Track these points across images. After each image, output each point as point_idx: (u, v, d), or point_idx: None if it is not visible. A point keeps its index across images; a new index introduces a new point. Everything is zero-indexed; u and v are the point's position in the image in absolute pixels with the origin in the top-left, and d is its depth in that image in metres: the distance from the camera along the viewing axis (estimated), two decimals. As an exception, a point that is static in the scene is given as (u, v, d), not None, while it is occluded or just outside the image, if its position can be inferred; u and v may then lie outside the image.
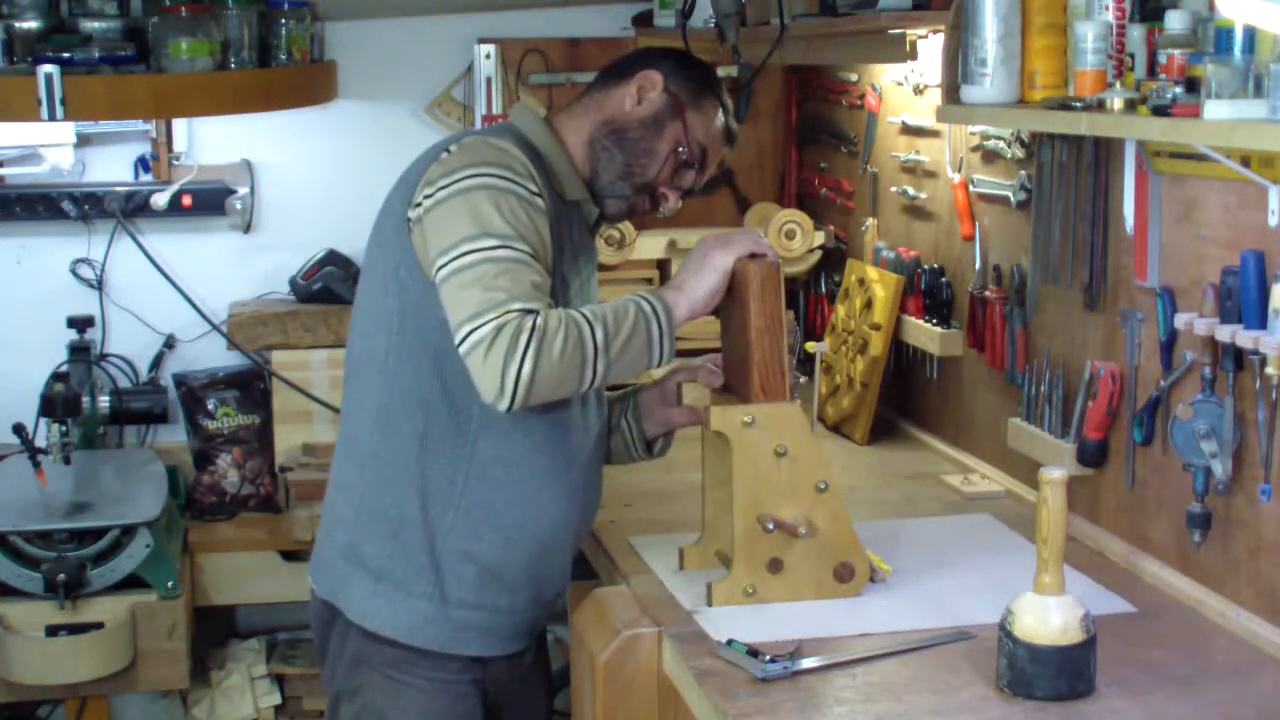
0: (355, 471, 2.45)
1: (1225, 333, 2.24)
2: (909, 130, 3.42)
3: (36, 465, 3.57)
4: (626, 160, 2.45)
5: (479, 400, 2.20)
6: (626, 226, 3.72)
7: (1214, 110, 1.94)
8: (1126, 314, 2.56)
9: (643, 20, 4.09)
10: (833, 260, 3.82)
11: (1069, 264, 2.71)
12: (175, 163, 4.07)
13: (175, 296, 4.04)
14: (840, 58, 3.60)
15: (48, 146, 3.97)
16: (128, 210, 4.01)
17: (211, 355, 4.10)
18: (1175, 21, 2.13)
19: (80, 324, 3.97)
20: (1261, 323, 2.19)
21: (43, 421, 3.69)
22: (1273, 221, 2.18)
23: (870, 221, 3.62)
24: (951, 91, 2.53)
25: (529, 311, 2.16)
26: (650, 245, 3.81)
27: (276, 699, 3.93)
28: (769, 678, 2.13)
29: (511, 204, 2.26)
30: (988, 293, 3.05)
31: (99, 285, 4.07)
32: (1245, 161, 2.19)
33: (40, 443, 3.68)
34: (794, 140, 4.17)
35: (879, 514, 2.89)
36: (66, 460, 3.66)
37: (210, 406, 3.99)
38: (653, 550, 2.66)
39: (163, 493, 3.63)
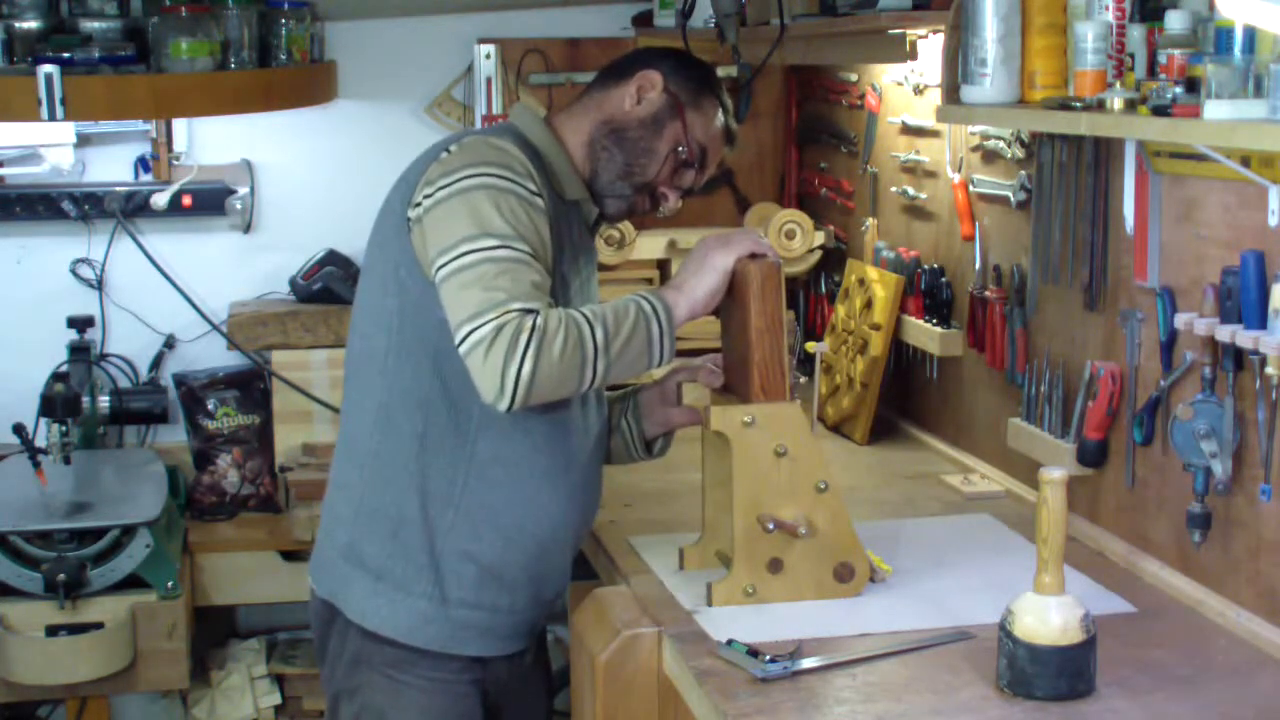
0: (355, 471, 2.45)
1: (1225, 333, 2.24)
2: (909, 130, 3.42)
3: (36, 465, 3.57)
4: (626, 160, 2.45)
5: (479, 400, 2.20)
6: (626, 226, 3.72)
7: (1214, 110, 1.94)
8: (1126, 314, 2.56)
9: (643, 20, 4.09)
10: (833, 260, 3.82)
11: (1069, 264, 2.71)
12: (175, 163, 4.07)
13: (175, 296, 4.04)
14: (840, 58, 3.60)
15: (48, 146, 3.97)
16: (128, 210, 4.02)
17: (211, 355, 4.10)
18: (1175, 21, 2.13)
19: (80, 324, 3.97)
20: (1261, 323, 2.19)
21: (43, 421, 3.69)
22: (1273, 221, 2.18)
23: (870, 221, 3.62)
24: (951, 91, 2.53)
25: (529, 311, 2.16)
26: (650, 245, 3.81)
27: (276, 699, 3.93)
28: (769, 678, 2.13)
29: (511, 204, 2.26)
30: (988, 293, 3.05)
31: (99, 285, 4.07)
32: (1245, 161, 2.19)
33: (40, 443, 3.68)
34: (794, 140, 4.17)
35: (879, 514, 2.89)
36: (66, 460, 3.66)
37: (210, 406, 3.99)
38: (653, 550, 2.66)
39: (163, 493, 3.63)
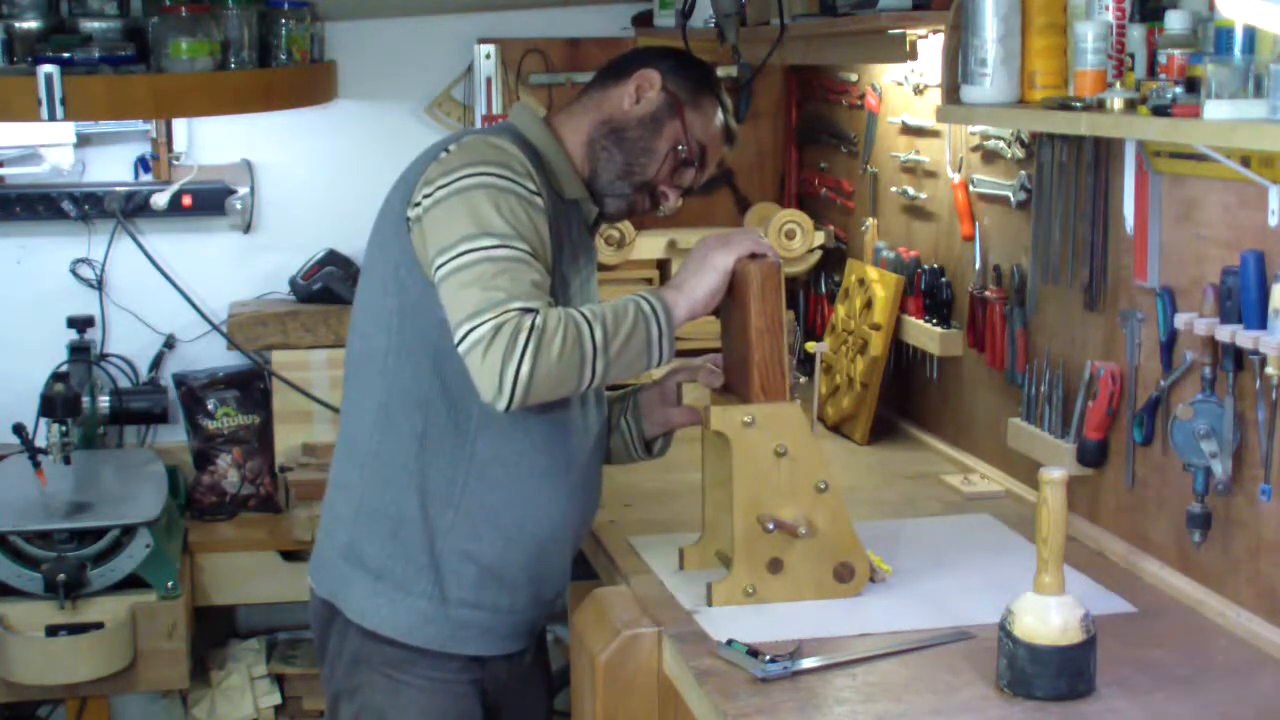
0: (355, 471, 2.45)
1: (1225, 333, 2.24)
2: (909, 130, 3.42)
3: (36, 465, 3.57)
4: (626, 159, 2.45)
5: (478, 400, 2.20)
6: (626, 226, 3.72)
7: (1214, 110, 1.94)
8: (1126, 314, 2.56)
9: (643, 20, 4.09)
10: (833, 260, 3.82)
11: (1069, 264, 2.71)
12: (175, 163, 4.07)
13: (175, 296, 4.04)
14: (840, 58, 3.60)
15: (48, 146, 3.97)
16: (128, 210, 4.02)
17: (211, 355, 4.10)
18: (1175, 21, 2.13)
19: (80, 324, 3.97)
20: (1261, 323, 2.19)
21: (43, 421, 3.69)
22: (1273, 221, 2.18)
23: (870, 221, 3.62)
24: (951, 91, 2.53)
25: (528, 310, 2.16)
26: (650, 245, 3.81)
27: (276, 699, 3.93)
28: (769, 678, 2.13)
29: (510, 203, 2.26)
30: (988, 293, 3.05)
31: (99, 285, 4.07)
32: (1245, 161, 2.19)
33: (40, 443, 3.68)
34: (794, 140, 4.17)
35: (879, 514, 2.89)
36: (66, 460, 3.66)
37: (210, 406, 3.99)
38: (653, 550, 2.66)
39: (163, 493, 3.63)
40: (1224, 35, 1.97)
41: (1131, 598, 2.44)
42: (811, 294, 3.97)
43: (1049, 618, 2.06)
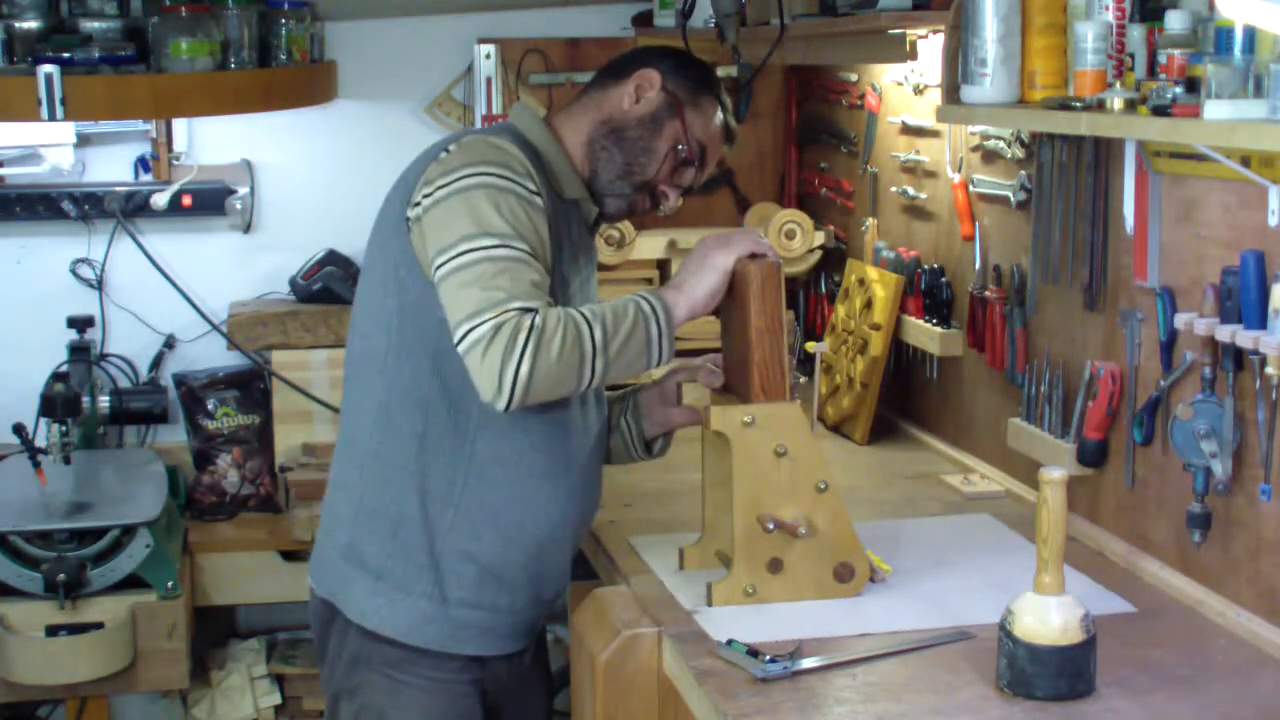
0: (355, 471, 2.45)
1: (1225, 333, 2.24)
2: (909, 130, 3.42)
3: (36, 465, 3.57)
4: (626, 159, 2.45)
5: (478, 399, 2.20)
6: (626, 226, 3.72)
7: (1214, 110, 1.94)
8: (1126, 314, 2.56)
9: (643, 20, 4.09)
10: (833, 260, 3.82)
11: (1069, 264, 2.71)
12: (175, 163, 4.07)
13: (175, 296, 4.04)
14: (840, 58, 3.60)
15: (48, 146, 3.97)
16: (128, 210, 4.02)
17: (211, 355, 4.10)
18: (1175, 21, 2.13)
19: (80, 324, 3.97)
20: (1261, 323, 2.19)
21: (43, 421, 3.69)
22: (1273, 221, 2.18)
23: (870, 221, 3.62)
24: (951, 91, 2.53)
25: (528, 310, 2.16)
26: (650, 245, 3.81)
27: (276, 699, 3.93)
28: (769, 678, 2.13)
29: (510, 203, 2.26)
30: (988, 293, 3.05)
31: (99, 285, 4.07)
32: (1245, 161, 2.19)
33: (40, 443, 3.68)
34: (794, 140, 4.17)
35: (879, 514, 2.89)
36: (66, 460, 3.66)
37: (210, 406, 3.99)
38: (653, 550, 2.66)
39: (163, 493, 3.63)
40: (1224, 35, 1.97)
41: (1131, 598, 2.44)
42: (811, 294, 3.97)
43: (1049, 618, 2.06)
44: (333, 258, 4.05)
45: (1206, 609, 2.37)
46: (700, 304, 2.36)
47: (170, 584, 3.53)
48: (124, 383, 4.07)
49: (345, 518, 2.46)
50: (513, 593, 2.44)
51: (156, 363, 4.11)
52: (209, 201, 4.07)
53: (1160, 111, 2.05)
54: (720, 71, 2.71)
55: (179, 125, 4.05)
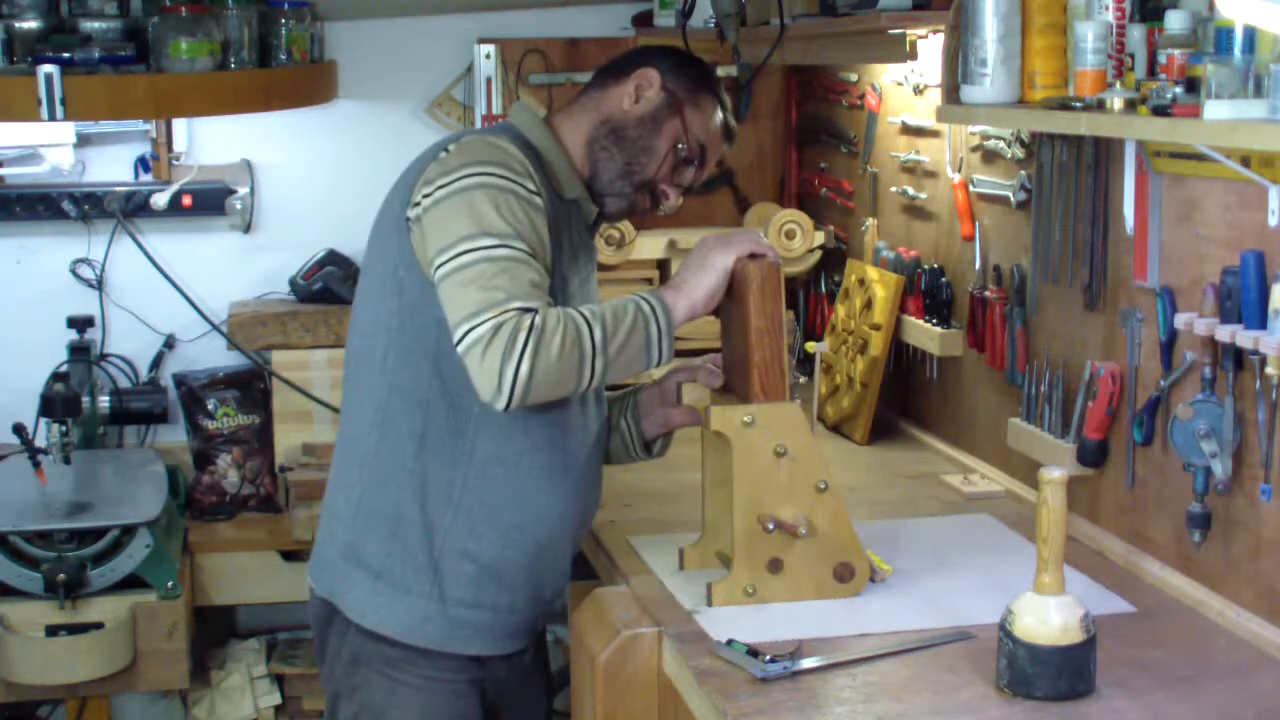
0: (354, 471, 2.45)
1: (1225, 333, 2.24)
2: (909, 130, 3.42)
3: (36, 465, 3.57)
4: (626, 158, 2.45)
5: (478, 399, 2.20)
6: (626, 226, 3.72)
7: (1214, 110, 1.94)
8: (1126, 314, 2.56)
9: (643, 20, 4.09)
10: (833, 260, 3.82)
11: (1069, 264, 2.71)
12: (175, 163, 4.07)
13: (175, 296, 4.04)
14: (840, 58, 3.60)
15: (48, 146, 3.97)
16: (128, 210, 4.02)
17: (211, 355, 4.11)
18: (1175, 21, 2.13)
19: (80, 324, 3.97)
20: (1261, 323, 2.19)
21: (43, 421, 3.69)
22: (1273, 221, 2.18)
23: (870, 221, 3.62)
24: (951, 91, 2.53)
25: (527, 310, 2.16)
26: (650, 245, 3.81)
27: (276, 699, 3.93)
28: (769, 678, 2.13)
29: (510, 203, 2.26)
30: (988, 293, 3.05)
31: (99, 285, 4.07)
32: (1245, 161, 2.19)
33: (40, 443, 3.68)
34: (794, 140, 4.17)
35: (879, 514, 2.89)
36: (66, 460, 3.66)
37: (210, 406, 3.99)
38: (653, 550, 2.66)
39: (163, 493, 3.63)
40: (1224, 35, 1.97)
41: (1131, 598, 2.44)
42: (811, 294, 3.97)
43: (1049, 618, 2.06)
44: (333, 258, 4.05)
45: (1206, 609, 2.37)
46: (700, 304, 2.36)
47: (170, 584, 3.53)
48: (124, 383, 4.07)
49: (345, 517, 2.46)
50: (512, 592, 2.44)
51: (156, 363, 4.12)
52: (209, 201, 4.07)
53: (1160, 111, 2.05)
54: (720, 71, 2.71)
55: (179, 125, 4.05)
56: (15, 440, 3.63)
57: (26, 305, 4.05)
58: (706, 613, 2.38)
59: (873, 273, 3.47)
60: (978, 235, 3.11)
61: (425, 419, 2.37)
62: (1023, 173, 2.90)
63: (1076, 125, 2.23)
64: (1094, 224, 2.63)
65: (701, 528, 2.59)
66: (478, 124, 4.06)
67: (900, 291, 3.37)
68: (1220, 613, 2.34)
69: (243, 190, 4.11)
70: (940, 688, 2.12)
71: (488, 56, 4.06)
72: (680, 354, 2.47)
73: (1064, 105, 2.27)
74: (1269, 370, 2.17)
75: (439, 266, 2.22)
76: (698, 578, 2.50)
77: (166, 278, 4.04)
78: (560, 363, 2.17)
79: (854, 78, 3.71)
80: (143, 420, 4.01)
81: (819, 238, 3.78)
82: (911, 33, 3.06)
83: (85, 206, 4.00)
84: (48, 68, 3.29)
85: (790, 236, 3.74)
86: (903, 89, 3.40)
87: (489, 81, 4.06)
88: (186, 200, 4.04)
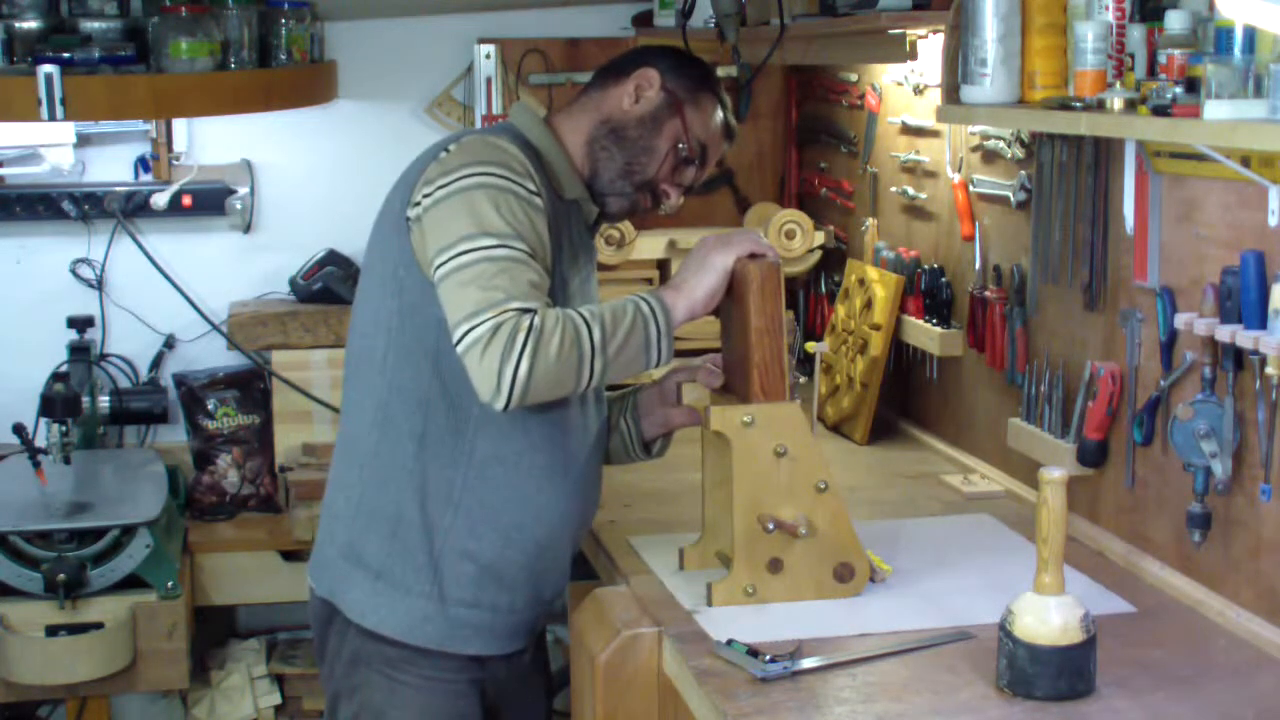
0: (354, 471, 2.45)
1: (1225, 333, 2.24)
2: (909, 130, 3.42)
3: (36, 465, 3.57)
4: (626, 158, 2.45)
5: (477, 399, 2.20)
6: (626, 226, 3.72)
7: (1214, 110, 1.94)
8: (1126, 314, 2.56)
9: (643, 20, 4.09)
10: (833, 260, 3.82)
11: (1069, 264, 2.71)
12: (175, 163, 4.07)
13: (175, 296, 4.04)
14: (840, 58, 3.60)
15: (48, 146, 3.97)
16: (128, 210, 4.02)
17: (211, 355, 4.11)
18: (1175, 21, 2.13)
19: (80, 324, 3.97)
20: (1261, 323, 2.19)
21: (43, 421, 3.69)
22: (1273, 221, 2.18)
23: (870, 221, 3.62)
24: (951, 91, 2.53)
25: (526, 310, 2.16)
26: (650, 245, 3.81)
27: (276, 699, 3.93)
28: (769, 678, 2.13)
29: (510, 203, 2.26)
30: (988, 293, 3.05)
31: (99, 285, 4.07)
32: (1245, 161, 2.19)
33: (40, 443, 3.68)
34: (794, 140, 4.17)
35: (879, 514, 2.89)
36: (66, 460, 3.66)
37: (210, 406, 3.99)
38: (653, 550, 2.66)
39: (163, 493, 3.63)
40: (1224, 35, 1.97)
41: (1131, 598, 2.44)
42: (811, 294, 3.97)
43: (1049, 618, 2.06)
44: (333, 258, 4.05)
45: (1206, 609, 2.37)
46: (700, 304, 2.36)
47: (170, 584, 3.53)
48: (124, 383, 4.07)
49: (345, 517, 2.46)
50: (512, 592, 2.44)
51: (156, 363, 4.12)
52: (209, 201, 4.07)
53: (1160, 111, 2.05)
54: (720, 71, 2.71)
55: (179, 125, 4.05)
56: (15, 440, 3.63)
57: (26, 305, 4.05)
58: (706, 613, 2.38)
59: (873, 273, 3.47)
60: (978, 235, 3.11)
61: (425, 419, 2.37)
62: (1023, 173, 2.90)
63: (1076, 125, 2.23)
64: (1094, 224, 2.63)
65: (701, 528, 2.59)
66: (478, 124, 4.06)
67: (900, 291, 3.37)
68: (1220, 613, 2.34)
69: (243, 190, 4.11)
70: (940, 688, 2.12)
71: (488, 56, 4.06)
72: (680, 354, 2.48)
73: (1064, 105, 2.27)
74: (1269, 370, 2.17)
75: (439, 266, 2.22)
76: (698, 578, 2.50)
77: (166, 278, 4.04)
78: (559, 363, 2.17)
79: (854, 78, 3.71)
80: (143, 420, 4.01)
81: (819, 238, 3.78)
82: (911, 33, 3.06)
83: (85, 206, 4.00)
84: (48, 68, 3.29)
85: (790, 236, 3.74)
86: (903, 89, 3.40)
87: (489, 81, 4.06)
88: (186, 200, 4.04)
